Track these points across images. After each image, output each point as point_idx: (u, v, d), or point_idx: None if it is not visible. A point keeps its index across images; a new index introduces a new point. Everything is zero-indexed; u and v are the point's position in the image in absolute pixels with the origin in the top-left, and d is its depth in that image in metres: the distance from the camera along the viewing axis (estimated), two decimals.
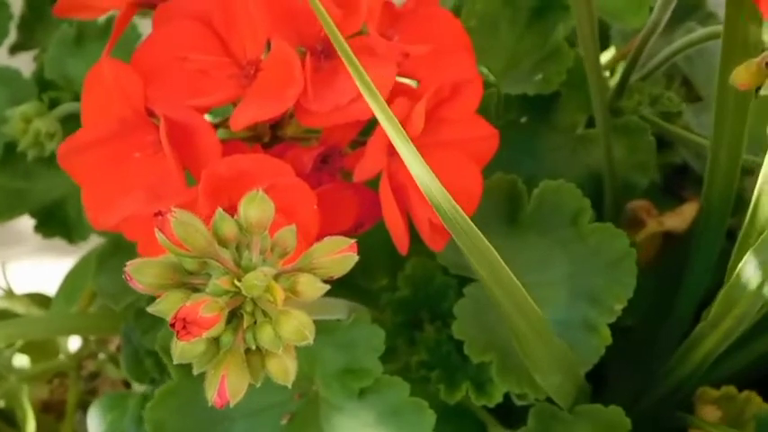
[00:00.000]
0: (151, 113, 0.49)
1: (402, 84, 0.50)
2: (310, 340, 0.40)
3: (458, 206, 0.42)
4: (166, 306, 0.39)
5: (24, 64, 0.79)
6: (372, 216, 0.51)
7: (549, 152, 0.65)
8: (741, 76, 0.51)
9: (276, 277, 0.40)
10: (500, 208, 0.59)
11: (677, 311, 0.71)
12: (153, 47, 0.49)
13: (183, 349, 0.39)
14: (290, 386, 0.53)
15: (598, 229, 0.58)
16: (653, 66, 0.65)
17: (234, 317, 0.40)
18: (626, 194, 0.66)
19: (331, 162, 0.51)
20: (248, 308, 0.40)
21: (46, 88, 0.71)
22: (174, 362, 0.39)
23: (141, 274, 0.39)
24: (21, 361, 0.77)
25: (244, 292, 0.39)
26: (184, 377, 0.55)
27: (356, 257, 0.42)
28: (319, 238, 0.43)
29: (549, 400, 0.57)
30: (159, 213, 0.40)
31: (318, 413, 0.55)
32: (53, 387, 0.79)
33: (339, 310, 0.54)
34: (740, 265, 0.50)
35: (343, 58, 0.38)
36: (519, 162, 0.64)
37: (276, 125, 0.54)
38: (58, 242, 0.74)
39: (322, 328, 0.54)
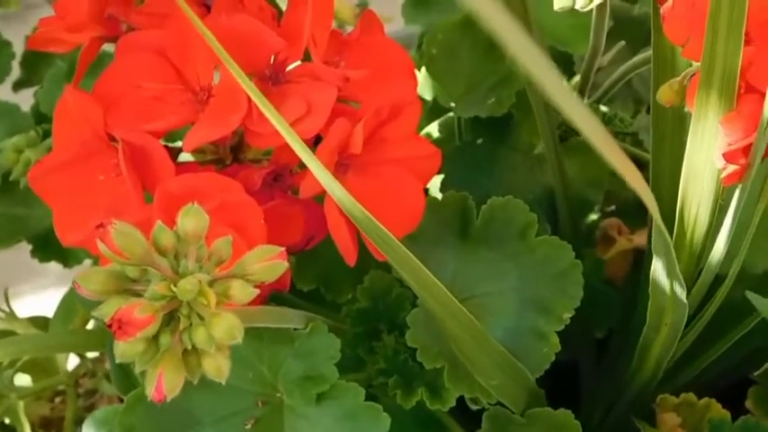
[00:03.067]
0: (113, 138, 0.53)
1: (344, 106, 0.54)
2: (239, 340, 0.43)
3: (377, 222, 0.46)
4: (108, 310, 0.43)
5: (27, 99, 0.84)
6: (323, 229, 0.55)
7: (506, 171, 0.68)
8: (666, 94, 0.55)
9: (211, 283, 0.44)
10: (452, 223, 0.62)
11: (643, 322, 0.74)
12: (113, 77, 0.53)
13: (124, 349, 0.43)
14: (252, 390, 0.58)
15: (545, 242, 0.61)
16: (606, 87, 0.68)
17: (172, 319, 0.44)
18: (581, 210, 0.69)
19: (282, 180, 0.55)
20: (184, 311, 0.43)
21: (41, 121, 0.75)
22: (116, 361, 0.43)
23: (88, 281, 0.43)
24: (23, 380, 0.82)
25: (179, 296, 0.43)
26: None
27: (286, 264, 0.45)
28: None
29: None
30: (101, 225, 0.44)
31: (282, 419, 0.58)
32: (54, 404, 0.83)
33: (297, 320, 0.58)
34: (651, 270, 0.53)
35: (246, 91, 0.41)
36: (476, 181, 0.67)
37: (237, 148, 0.58)
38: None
39: (284, 338, 0.58)
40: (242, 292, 0.44)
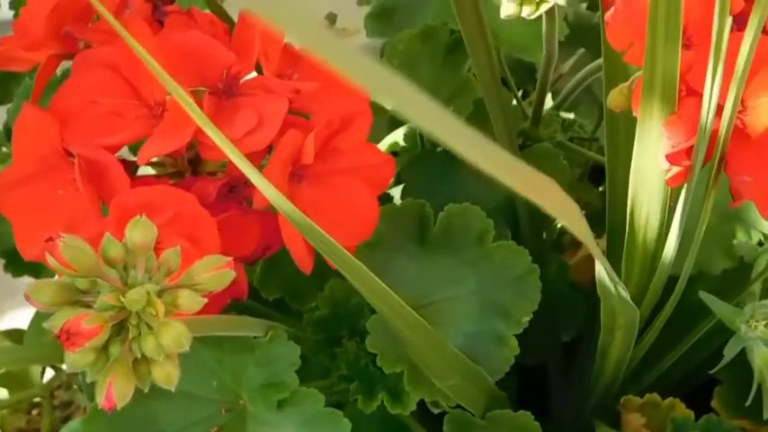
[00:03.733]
0: (70, 153, 0.54)
1: (295, 117, 0.55)
2: (187, 348, 0.44)
3: (324, 233, 0.47)
4: (58, 322, 0.44)
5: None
6: (279, 239, 0.56)
7: (467, 179, 0.69)
8: (615, 99, 0.56)
9: (160, 293, 0.45)
10: (410, 230, 0.63)
11: None
12: (69, 93, 0.54)
13: (74, 360, 0.44)
14: (215, 398, 0.59)
15: (502, 248, 0.62)
16: (565, 94, 0.69)
17: (122, 329, 0.45)
18: (542, 217, 0.70)
19: (238, 191, 0.56)
20: (134, 321, 0.44)
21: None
22: (67, 371, 0.44)
23: (38, 294, 0.44)
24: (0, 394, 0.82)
25: (127, 306, 0.44)
26: None
27: (233, 274, 0.46)
28: None
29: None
30: (50, 239, 0.45)
31: (245, 426, 0.59)
32: (31, 417, 0.84)
33: (257, 328, 0.59)
34: (596, 273, 0.54)
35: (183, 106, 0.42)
36: (437, 189, 0.68)
37: (195, 161, 0.59)
38: None
39: (245, 346, 0.59)
40: (190, 301, 0.45)
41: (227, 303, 0.58)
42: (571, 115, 0.74)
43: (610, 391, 0.70)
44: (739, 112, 0.51)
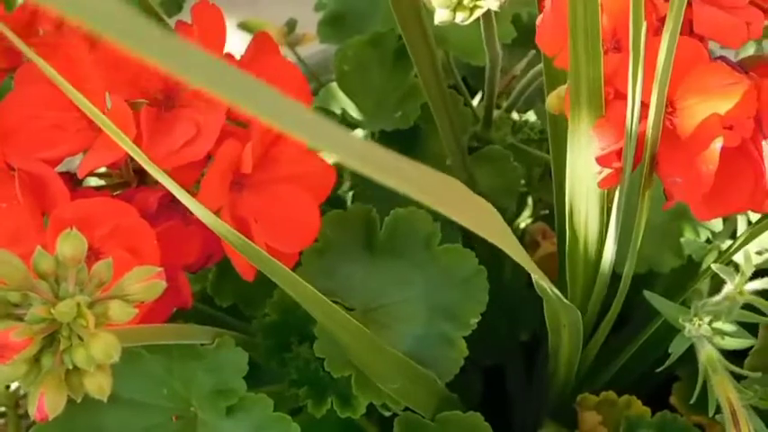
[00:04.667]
0: (13, 168, 0.55)
1: (234, 127, 0.56)
2: (116, 359, 0.45)
3: (251, 243, 0.47)
4: None
5: None
6: (221, 248, 0.57)
7: None
8: (553, 102, 0.56)
9: (91, 305, 0.46)
10: (357, 235, 0.64)
11: None
12: (10, 107, 0.55)
13: (7, 372, 0.45)
14: (166, 406, 0.59)
15: (449, 251, 0.63)
16: (515, 96, 0.70)
17: (54, 341, 0.45)
18: None
19: (179, 201, 0.57)
20: (65, 333, 0.45)
21: None
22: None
23: None
24: None
25: (58, 318, 0.44)
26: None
27: (164, 284, 0.47)
28: (167, 270, 0.48)
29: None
30: None
31: None
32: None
33: (204, 335, 0.59)
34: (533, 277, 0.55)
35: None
36: (387, 193, 0.68)
37: (141, 171, 0.59)
38: None
39: (193, 353, 0.60)
40: (120, 312, 0.46)
41: (173, 311, 0.59)
42: (524, 116, 0.74)
43: (565, 390, 0.70)
44: (669, 113, 0.51)
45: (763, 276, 0.72)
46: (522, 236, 0.84)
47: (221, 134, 0.54)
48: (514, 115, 0.73)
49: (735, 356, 0.68)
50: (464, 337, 0.77)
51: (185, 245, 0.55)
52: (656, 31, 0.51)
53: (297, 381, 0.62)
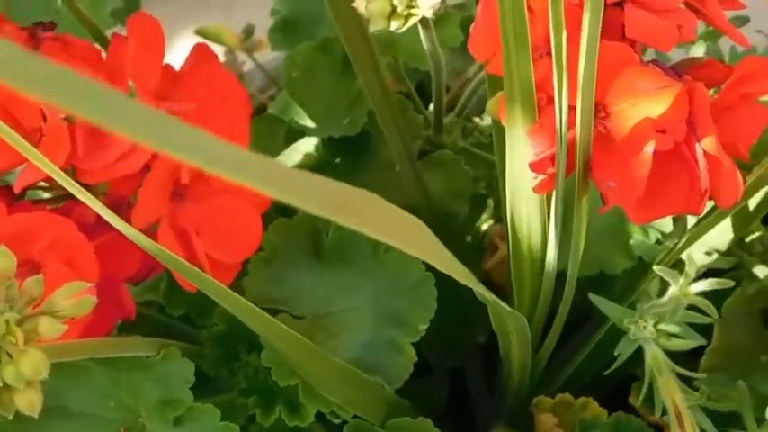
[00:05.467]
0: None
1: None
2: (45, 375, 0.45)
3: (180, 259, 0.47)
4: None
5: None
6: None
7: (370, 189, 0.69)
8: (493, 107, 0.56)
9: (21, 321, 0.46)
10: (304, 244, 0.64)
11: None
12: None
13: None
14: (115, 418, 0.59)
15: (396, 257, 0.63)
16: (464, 101, 0.70)
17: None
18: (447, 223, 0.71)
19: (120, 213, 0.57)
20: None
21: None
22: None
23: None
24: None
25: None
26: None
27: (94, 299, 0.47)
28: (107, 283, 0.48)
29: None
30: None
31: None
32: None
33: (149, 347, 0.59)
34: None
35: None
36: None
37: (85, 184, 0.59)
38: None
39: (140, 365, 0.60)
40: (50, 328, 0.46)
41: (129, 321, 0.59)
42: (478, 120, 0.74)
43: (520, 393, 0.70)
44: (602, 118, 0.51)
45: (716, 275, 0.73)
46: (482, 239, 0.84)
47: None
48: (475, 119, 0.73)
49: (693, 356, 0.68)
50: (422, 341, 0.78)
51: (125, 257, 0.55)
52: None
53: (246, 390, 0.62)
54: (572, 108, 0.49)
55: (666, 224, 0.70)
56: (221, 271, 0.57)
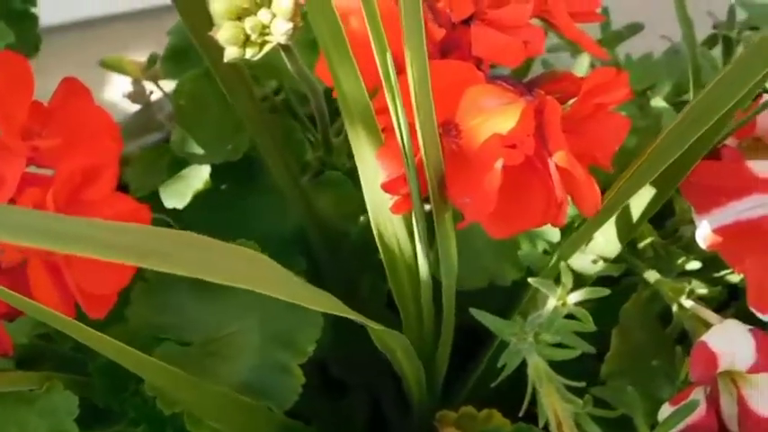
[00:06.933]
0: None
1: (36, 175, 0.56)
2: None
3: (35, 303, 0.48)
4: None
5: None
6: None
7: (256, 213, 0.70)
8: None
9: None
10: None
11: None
12: None
13: None
14: None
15: None
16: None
17: None
18: (339, 242, 0.71)
19: None
20: None
21: None
22: None
23: None
24: None
25: None
26: None
27: None
28: None
29: None
30: None
31: None
32: None
33: (30, 381, 0.60)
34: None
35: None
36: (224, 226, 0.69)
37: None
38: None
39: (25, 399, 0.60)
40: None
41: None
42: None
43: (422, 408, 0.71)
44: (454, 136, 0.52)
45: (613, 283, 0.74)
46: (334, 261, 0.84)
47: (23, 181, 0.54)
48: None
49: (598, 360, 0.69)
50: (332, 360, 0.78)
51: None
52: (431, 56, 0.52)
53: (135, 419, 0.63)
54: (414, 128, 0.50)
55: (554, 233, 0.70)
56: (95, 304, 0.57)
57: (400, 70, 0.51)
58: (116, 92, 0.90)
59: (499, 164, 0.50)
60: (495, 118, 0.51)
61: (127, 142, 0.85)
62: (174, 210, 0.74)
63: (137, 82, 0.88)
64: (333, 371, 0.80)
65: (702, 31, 0.80)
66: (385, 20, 0.46)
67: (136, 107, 0.90)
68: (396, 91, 0.47)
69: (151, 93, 0.89)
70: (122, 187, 0.76)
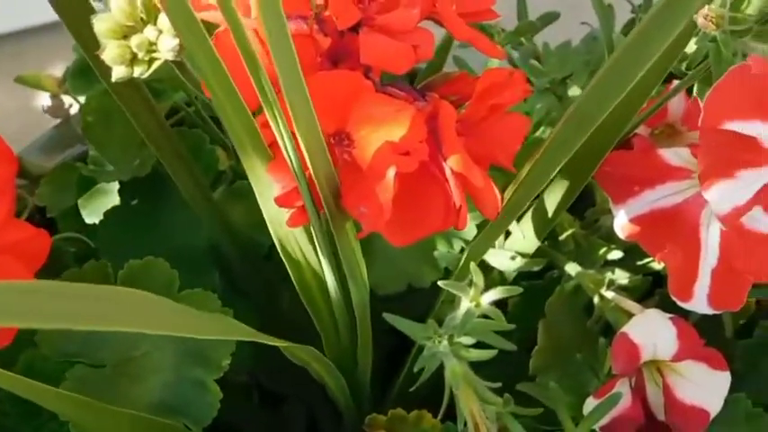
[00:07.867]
0: None
1: None
2: None
3: None
4: None
5: None
6: None
7: (171, 228, 0.69)
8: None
9: None
10: None
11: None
12: None
13: None
14: None
15: (190, 295, 0.62)
16: None
17: None
18: (254, 253, 0.71)
19: None
20: None
21: None
22: None
23: None
24: None
25: None
26: None
27: None
28: None
29: None
30: None
31: None
32: None
33: None
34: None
35: None
36: (135, 243, 0.68)
37: None
38: None
39: None
40: None
41: None
42: None
43: (350, 415, 0.70)
44: (347, 146, 0.51)
45: (537, 277, 0.73)
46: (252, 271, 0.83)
47: None
48: None
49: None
50: (261, 371, 0.77)
51: None
52: (317, 67, 0.51)
53: None
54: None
55: (471, 231, 0.70)
56: None
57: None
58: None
59: (392, 172, 0.50)
60: (385, 126, 0.50)
61: (49, 156, 0.84)
62: (94, 225, 0.73)
63: (55, 97, 0.86)
64: (263, 382, 0.80)
65: (625, 17, 0.79)
66: (256, 34, 0.46)
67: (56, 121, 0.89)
68: (275, 105, 0.46)
69: (71, 106, 0.88)
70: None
